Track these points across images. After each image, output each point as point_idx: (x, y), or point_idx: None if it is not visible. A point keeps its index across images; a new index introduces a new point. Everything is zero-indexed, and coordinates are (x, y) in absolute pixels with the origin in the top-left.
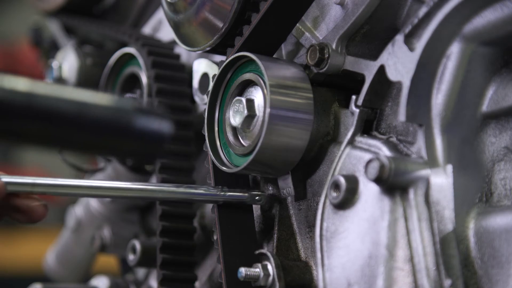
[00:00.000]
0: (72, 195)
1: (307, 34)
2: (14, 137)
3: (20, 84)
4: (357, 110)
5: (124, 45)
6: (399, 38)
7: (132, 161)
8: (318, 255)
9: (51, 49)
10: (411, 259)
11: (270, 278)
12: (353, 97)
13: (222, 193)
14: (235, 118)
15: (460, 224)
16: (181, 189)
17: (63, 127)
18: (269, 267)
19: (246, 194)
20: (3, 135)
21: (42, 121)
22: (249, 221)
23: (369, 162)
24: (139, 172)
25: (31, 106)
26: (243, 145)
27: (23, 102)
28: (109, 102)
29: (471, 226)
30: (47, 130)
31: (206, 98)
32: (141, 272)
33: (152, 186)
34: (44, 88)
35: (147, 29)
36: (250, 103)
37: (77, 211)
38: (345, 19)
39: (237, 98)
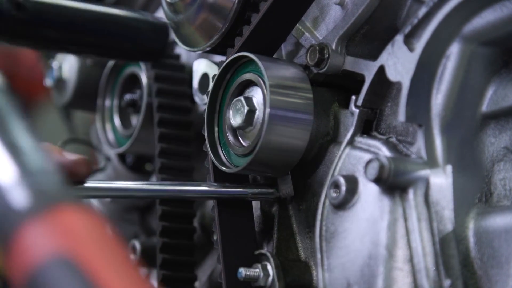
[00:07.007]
0: None
1: (307, 34)
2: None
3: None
4: (357, 110)
5: None
6: (399, 38)
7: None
8: (318, 255)
9: None
10: (411, 259)
11: (270, 278)
12: (353, 97)
13: (224, 189)
14: (235, 118)
15: (460, 224)
16: (184, 187)
17: (86, 33)
18: (269, 267)
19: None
20: (38, 42)
21: (70, 29)
22: (249, 222)
23: (368, 162)
24: (139, 171)
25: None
26: (243, 145)
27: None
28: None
29: (471, 226)
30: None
31: (206, 98)
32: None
33: (154, 186)
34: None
35: None
36: (248, 100)
37: None
38: (345, 19)
39: (237, 98)
